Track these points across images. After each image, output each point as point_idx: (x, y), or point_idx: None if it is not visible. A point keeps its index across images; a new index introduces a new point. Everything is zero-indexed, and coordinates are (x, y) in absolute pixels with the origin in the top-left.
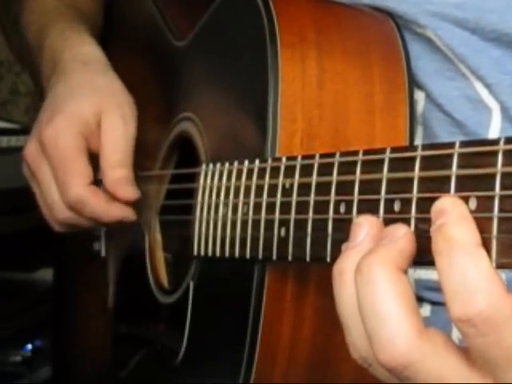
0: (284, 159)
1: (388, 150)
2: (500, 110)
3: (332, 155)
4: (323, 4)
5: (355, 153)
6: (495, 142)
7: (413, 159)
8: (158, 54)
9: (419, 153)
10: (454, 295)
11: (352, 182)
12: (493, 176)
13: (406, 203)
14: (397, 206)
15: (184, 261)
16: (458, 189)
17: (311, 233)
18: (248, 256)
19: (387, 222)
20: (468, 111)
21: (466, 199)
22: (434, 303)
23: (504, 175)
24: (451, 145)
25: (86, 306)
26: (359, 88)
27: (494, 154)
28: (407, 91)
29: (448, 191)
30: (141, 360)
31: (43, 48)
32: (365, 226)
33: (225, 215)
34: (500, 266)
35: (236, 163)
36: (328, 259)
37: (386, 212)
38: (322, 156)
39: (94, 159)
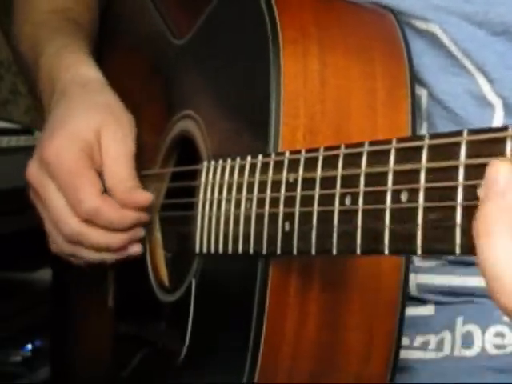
0: (287, 153)
1: (394, 141)
2: (502, 106)
3: (337, 147)
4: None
5: (360, 144)
6: (503, 129)
7: (419, 149)
8: (158, 53)
9: (426, 142)
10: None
11: (358, 175)
12: None
13: (413, 194)
14: (404, 197)
15: (185, 259)
16: (467, 178)
17: (316, 225)
18: (252, 251)
19: (394, 212)
20: (471, 107)
21: (474, 188)
22: (437, 303)
23: None
24: (459, 133)
25: (85, 306)
26: (361, 84)
27: (503, 140)
28: (409, 87)
29: (456, 180)
30: (142, 360)
31: (39, 65)
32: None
33: (227, 211)
34: None
35: (238, 159)
36: (334, 251)
37: (393, 202)
38: (327, 149)
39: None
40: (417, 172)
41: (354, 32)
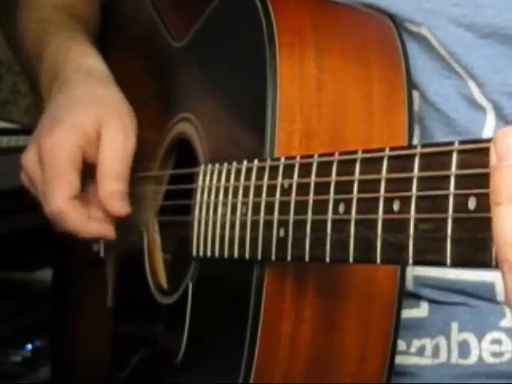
0: (283, 159)
1: (387, 150)
2: (493, 109)
3: (331, 154)
4: (321, 3)
5: (354, 152)
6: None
7: (412, 158)
8: (156, 55)
9: (418, 150)
10: None
11: (351, 182)
12: None
13: (405, 202)
14: (396, 206)
15: (183, 261)
16: (458, 188)
17: (310, 233)
18: (247, 256)
19: (386, 222)
20: (463, 109)
21: (466, 198)
22: (431, 301)
23: None
24: (450, 144)
25: (84, 307)
26: (358, 88)
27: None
28: (406, 91)
29: (447, 190)
30: (140, 360)
31: (43, 58)
32: None
33: (224, 215)
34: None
35: (235, 163)
36: (327, 259)
37: (385, 212)
38: (321, 155)
39: (90, 170)
40: (409, 181)
41: (351, 35)
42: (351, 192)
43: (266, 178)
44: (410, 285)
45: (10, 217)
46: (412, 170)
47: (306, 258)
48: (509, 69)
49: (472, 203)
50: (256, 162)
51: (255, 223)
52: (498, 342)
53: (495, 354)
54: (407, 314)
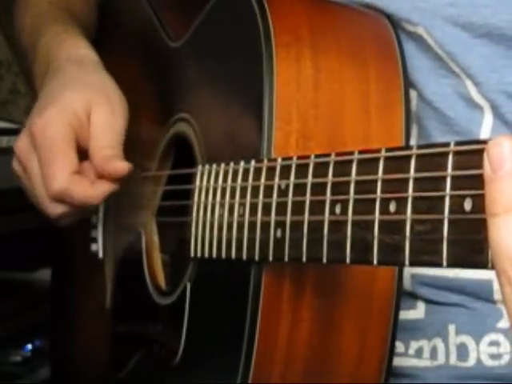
0: (279, 160)
1: (383, 151)
2: (490, 108)
3: (327, 155)
4: (318, 3)
5: (350, 153)
6: (489, 140)
7: (408, 159)
8: (153, 55)
9: (414, 151)
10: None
11: (348, 183)
12: None
13: (401, 203)
14: (392, 207)
15: (181, 262)
16: (454, 189)
17: (307, 234)
18: (245, 257)
19: (383, 223)
20: (461, 108)
21: (461, 199)
22: (428, 301)
23: None
24: (446, 145)
25: (83, 307)
26: (355, 87)
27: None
28: (403, 90)
29: (444, 191)
30: (139, 361)
31: (37, 47)
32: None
33: (221, 216)
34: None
35: (232, 164)
36: (324, 260)
37: (381, 213)
38: (318, 156)
39: (83, 154)
40: (405, 182)
41: (348, 35)
42: (348, 193)
43: (263, 178)
44: (407, 283)
45: (10, 217)
46: (408, 170)
47: (303, 259)
48: (505, 68)
49: (468, 204)
50: (253, 162)
51: (252, 224)
52: (496, 343)
53: (494, 356)
54: (404, 315)
